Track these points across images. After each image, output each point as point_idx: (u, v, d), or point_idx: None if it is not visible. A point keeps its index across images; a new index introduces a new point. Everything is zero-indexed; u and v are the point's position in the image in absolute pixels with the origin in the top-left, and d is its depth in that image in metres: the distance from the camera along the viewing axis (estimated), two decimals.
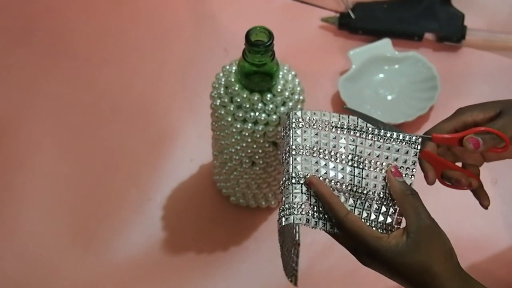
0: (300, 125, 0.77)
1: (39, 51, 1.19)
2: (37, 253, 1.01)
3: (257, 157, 0.93)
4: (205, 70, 1.14)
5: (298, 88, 0.91)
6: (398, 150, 0.77)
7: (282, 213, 0.74)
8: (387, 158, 0.77)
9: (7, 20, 1.22)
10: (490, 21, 1.22)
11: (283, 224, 0.74)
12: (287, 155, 0.77)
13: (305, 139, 0.77)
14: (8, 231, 1.03)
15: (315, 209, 0.74)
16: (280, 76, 0.88)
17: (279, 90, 0.88)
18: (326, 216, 0.74)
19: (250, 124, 0.89)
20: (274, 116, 0.88)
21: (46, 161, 1.08)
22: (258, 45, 0.83)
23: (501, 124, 0.74)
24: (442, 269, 0.70)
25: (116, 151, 1.10)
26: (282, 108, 0.88)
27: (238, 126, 0.89)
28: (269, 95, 0.88)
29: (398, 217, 0.75)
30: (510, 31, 1.20)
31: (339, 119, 0.78)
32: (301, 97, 0.91)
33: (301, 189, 0.75)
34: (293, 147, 0.76)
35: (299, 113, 0.78)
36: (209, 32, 1.21)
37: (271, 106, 0.88)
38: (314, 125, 0.78)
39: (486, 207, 0.79)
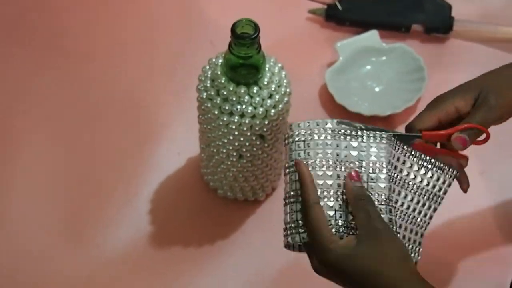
0: (303, 138, 0.74)
1: (27, 47, 1.19)
2: (25, 249, 1.01)
3: (244, 150, 0.93)
4: (192, 63, 1.13)
5: (285, 81, 0.91)
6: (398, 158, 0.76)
7: (297, 229, 0.73)
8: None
9: None
10: (479, 12, 1.22)
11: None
12: (291, 169, 0.74)
13: (308, 153, 0.73)
14: None
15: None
16: (267, 69, 0.88)
17: (265, 82, 0.88)
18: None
19: (236, 117, 0.89)
20: (261, 109, 0.88)
21: (34, 156, 1.08)
22: (244, 37, 0.83)
23: (481, 116, 0.76)
24: (394, 274, 0.68)
25: (103, 144, 1.10)
26: (268, 101, 0.88)
27: (225, 119, 0.89)
28: (255, 88, 0.88)
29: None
30: (498, 22, 1.20)
31: (340, 126, 0.74)
32: (287, 90, 0.90)
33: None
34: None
35: (302, 124, 0.75)
36: (195, 25, 1.21)
37: (257, 99, 0.88)
38: (316, 135, 0.74)
39: (465, 191, 0.79)
